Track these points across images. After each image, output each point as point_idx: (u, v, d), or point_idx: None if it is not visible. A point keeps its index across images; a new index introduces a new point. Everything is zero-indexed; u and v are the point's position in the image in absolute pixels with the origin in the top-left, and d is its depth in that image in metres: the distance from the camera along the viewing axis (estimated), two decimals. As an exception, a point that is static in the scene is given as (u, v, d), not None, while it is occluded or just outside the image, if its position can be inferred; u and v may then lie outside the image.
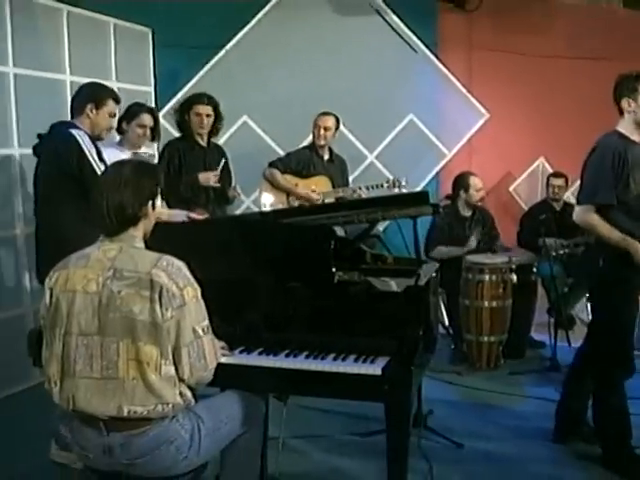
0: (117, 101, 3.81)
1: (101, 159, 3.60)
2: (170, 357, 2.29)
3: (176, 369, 2.32)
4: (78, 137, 3.53)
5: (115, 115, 3.86)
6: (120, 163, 2.50)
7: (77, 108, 3.72)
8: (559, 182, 6.22)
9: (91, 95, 3.71)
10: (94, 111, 3.68)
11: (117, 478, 2.38)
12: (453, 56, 6.84)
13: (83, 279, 2.30)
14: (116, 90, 5.27)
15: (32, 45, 4.65)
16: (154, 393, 2.26)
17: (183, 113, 5.00)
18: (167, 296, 2.24)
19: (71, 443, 2.42)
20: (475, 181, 5.56)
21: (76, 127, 3.61)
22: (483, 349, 4.99)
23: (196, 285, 2.35)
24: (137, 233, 2.40)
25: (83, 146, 3.52)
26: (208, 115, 4.95)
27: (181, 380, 2.34)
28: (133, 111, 4.51)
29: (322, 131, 5.45)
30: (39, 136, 3.71)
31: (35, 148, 3.75)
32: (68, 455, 3.33)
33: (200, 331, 2.33)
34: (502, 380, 4.77)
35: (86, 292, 2.29)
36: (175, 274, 2.29)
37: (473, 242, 5.41)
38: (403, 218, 3.41)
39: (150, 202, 2.41)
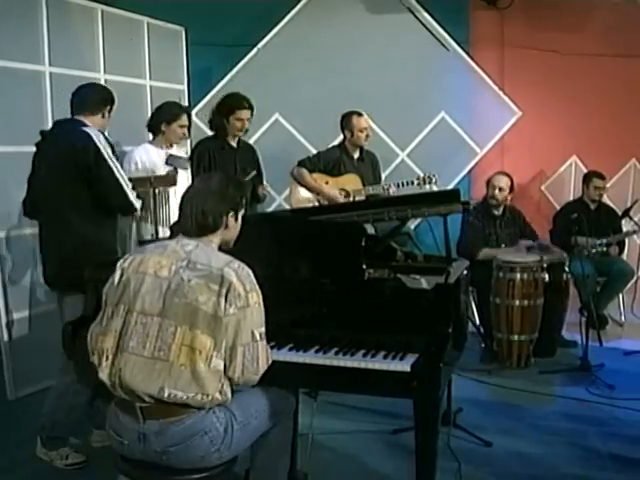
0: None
1: (116, 156, 3.63)
2: (222, 351, 2.36)
3: (226, 366, 2.38)
4: (94, 136, 3.52)
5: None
6: (209, 176, 2.72)
7: (92, 107, 3.70)
8: (602, 183, 6.17)
9: (109, 99, 3.78)
10: (107, 115, 3.77)
11: (150, 467, 2.43)
12: (485, 54, 6.82)
13: (157, 264, 2.43)
14: (148, 87, 5.40)
15: (67, 44, 4.71)
16: (198, 382, 2.33)
17: (222, 116, 5.00)
18: (233, 294, 2.35)
19: (108, 430, 2.51)
20: (494, 181, 5.57)
21: (87, 125, 3.60)
22: (513, 348, 4.96)
23: (260, 292, 2.44)
24: (214, 239, 2.55)
25: (99, 145, 3.51)
26: (248, 119, 5.00)
27: (230, 378, 2.40)
28: (174, 112, 4.56)
29: (366, 132, 5.48)
30: (42, 133, 3.69)
31: (39, 145, 3.70)
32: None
33: (258, 335, 2.41)
34: (532, 379, 4.73)
35: (157, 276, 2.41)
36: (244, 277, 2.40)
37: (522, 248, 5.42)
38: (433, 216, 3.41)
39: (232, 213, 2.55)
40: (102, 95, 3.78)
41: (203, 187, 2.55)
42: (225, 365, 2.38)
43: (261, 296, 2.44)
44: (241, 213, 2.63)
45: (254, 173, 5.03)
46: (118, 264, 2.52)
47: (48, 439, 3.59)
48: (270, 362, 2.53)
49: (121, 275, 2.48)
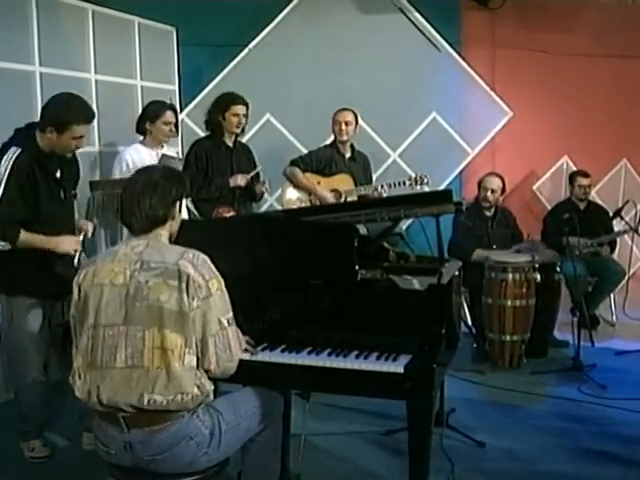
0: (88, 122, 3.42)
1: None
2: (193, 347, 2.34)
3: (199, 360, 2.36)
4: (11, 152, 3.32)
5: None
6: (150, 168, 2.65)
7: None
8: (587, 182, 6.17)
9: (53, 115, 3.32)
10: (51, 134, 3.33)
11: (141, 473, 2.41)
12: (476, 54, 6.82)
13: (110, 273, 2.38)
14: (139, 87, 5.36)
15: (57, 44, 4.69)
16: (175, 382, 2.30)
17: (218, 113, 4.99)
18: (194, 286, 2.31)
19: (95, 442, 2.49)
20: (486, 183, 5.57)
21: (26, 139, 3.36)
22: (505, 348, 4.96)
23: (220, 277, 2.41)
24: (164, 232, 2.50)
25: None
26: (244, 115, 5.00)
27: (207, 371, 2.38)
28: (156, 110, 4.55)
29: (343, 126, 5.37)
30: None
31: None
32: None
33: (225, 322, 2.39)
34: (524, 379, 4.73)
35: (113, 285, 2.36)
36: (201, 266, 2.36)
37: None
38: (425, 216, 3.40)
39: (177, 204, 2.52)
40: (48, 109, 3.37)
41: (148, 181, 2.47)
42: (198, 359, 2.36)
43: (222, 281, 2.41)
44: (184, 203, 2.58)
45: (257, 170, 5.02)
46: (75, 280, 2.46)
47: (20, 431, 3.72)
48: (243, 346, 2.54)
49: (79, 291, 2.43)
